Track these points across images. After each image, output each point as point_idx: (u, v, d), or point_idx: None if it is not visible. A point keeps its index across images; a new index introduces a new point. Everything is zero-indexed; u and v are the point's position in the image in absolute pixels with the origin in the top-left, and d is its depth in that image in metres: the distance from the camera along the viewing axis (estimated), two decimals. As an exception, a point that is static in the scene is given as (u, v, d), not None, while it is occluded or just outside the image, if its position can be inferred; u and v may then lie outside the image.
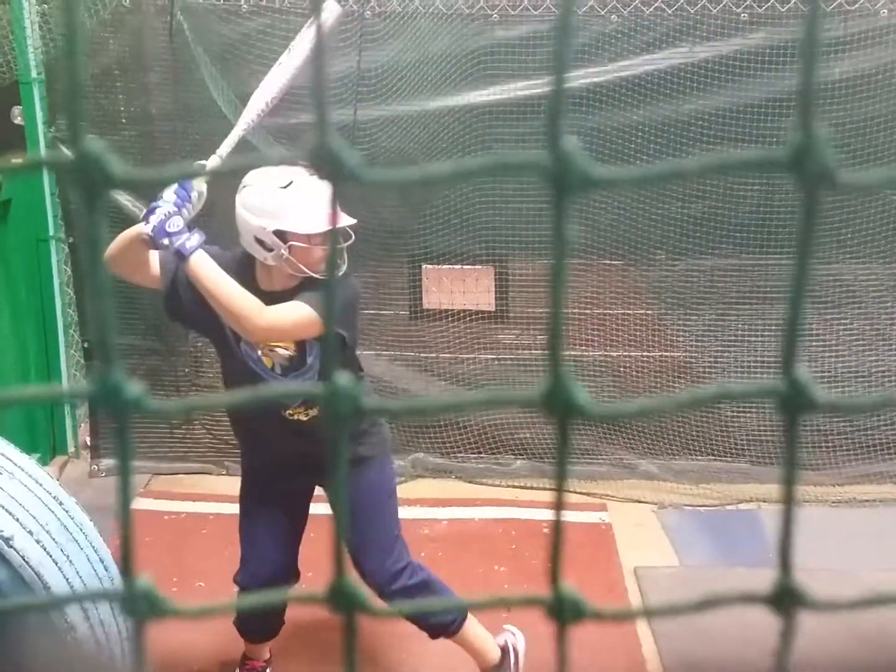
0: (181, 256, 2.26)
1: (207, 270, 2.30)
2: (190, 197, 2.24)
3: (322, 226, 2.37)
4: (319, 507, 2.80)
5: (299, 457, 2.57)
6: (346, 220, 2.35)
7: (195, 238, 2.26)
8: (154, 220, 2.20)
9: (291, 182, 2.37)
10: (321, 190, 2.34)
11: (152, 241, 2.23)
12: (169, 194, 2.23)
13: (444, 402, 0.41)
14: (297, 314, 2.35)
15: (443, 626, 2.71)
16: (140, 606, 0.35)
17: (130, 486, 0.36)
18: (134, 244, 2.30)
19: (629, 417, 0.34)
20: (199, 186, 2.28)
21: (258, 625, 2.82)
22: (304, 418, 2.56)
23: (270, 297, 2.40)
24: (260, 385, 2.49)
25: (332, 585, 0.37)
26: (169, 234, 2.22)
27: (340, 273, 2.46)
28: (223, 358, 2.65)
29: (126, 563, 0.37)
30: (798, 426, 0.36)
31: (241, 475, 2.85)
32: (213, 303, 2.33)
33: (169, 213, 2.21)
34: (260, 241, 2.40)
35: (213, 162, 2.34)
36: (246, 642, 2.92)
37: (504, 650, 2.86)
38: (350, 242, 2.45)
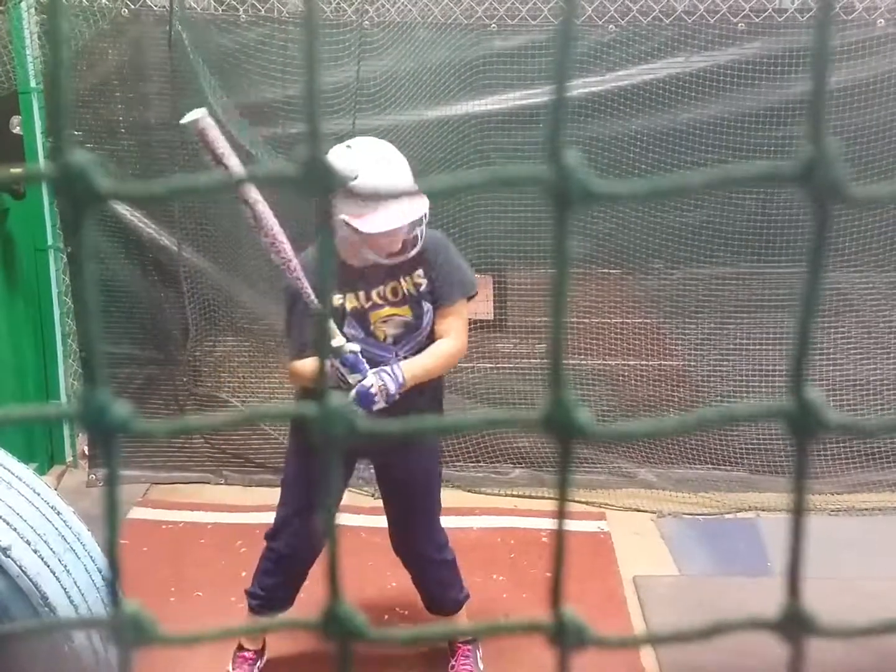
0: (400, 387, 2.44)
1: (424, 372, 2.52)
2: (361, 360, 2.40)
3: (381, 226, 2.39)
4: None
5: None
6: (415, 213, 2.39)
7: (396, 371, 2.44)
8: (382, 399, 2.40)
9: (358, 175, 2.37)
10: (387, 179, 2.37)
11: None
12: (355, 378, 2.39)
13: (444, 424, 0.40)
14: (464, 320, 2.62)
15: (457, 603, 2.87)
16: (127, 634, 0.35)
17: (119, 508, 0.36)
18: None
19: (632, 439, 0.33)
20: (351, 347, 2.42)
21: (277, 591, 2.78)
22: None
23: (364, 273, 2.51)
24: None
25: (327, 610, 0.36)
26: (393, 395, 2.42)
27: (417, 250, 2.50)
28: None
29: (113, 589, 0.36)
30: (809, 448, 0.35)
31: (292, 443, 2.87)
32: (430, 377, 2.56)
33: (383, 387, 2.41)
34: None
35: None
36: (253, 614, 2.86)
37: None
38: (423, 226, 2.48)
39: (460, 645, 2.95)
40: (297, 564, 2.71)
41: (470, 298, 2.63)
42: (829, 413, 0.34)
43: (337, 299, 2.50)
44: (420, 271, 2.55)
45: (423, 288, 2.55)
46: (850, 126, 3.87)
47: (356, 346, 2.43)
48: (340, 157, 2.42)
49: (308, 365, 2.47)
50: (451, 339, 2.56)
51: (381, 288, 2.54)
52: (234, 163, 2.18)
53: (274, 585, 2.75)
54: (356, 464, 2.88)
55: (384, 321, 2.57)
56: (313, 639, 2.78)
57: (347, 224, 2.37)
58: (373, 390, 2.37)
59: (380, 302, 2.55)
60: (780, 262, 4.09)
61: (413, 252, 2.49)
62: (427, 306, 2.58)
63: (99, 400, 0.34)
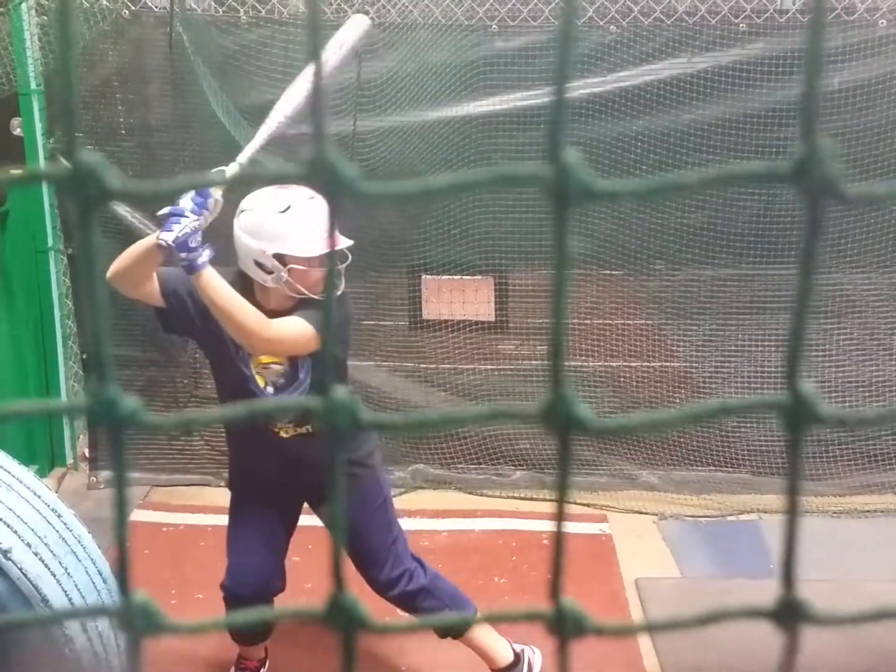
0: (192, 270, 2.24)
1: (217, 285, 2.30)
2: (208, 206, 2.22)
3: (320, 249, 2.41)
4: (317, 519, 2.80)
5: (283, 473, 2.61)
6: (343, 242, 2.39)
7: (206, 253, 2.25)
8: (178, 230, 2.17)
9: (290, 206, 2.41)
10: (319, 213, 2.37)
11: (170, 253, 2.21)
12: (187, 202, 2.19)
13: (443, 417, 0.41)
14: (299, 329, 2.38)
15: (448, 626, 2.73)
16: (136, 623, 0.35)
17: (126, 500, 0.36)
18: (147, 256, 2.29)
19: (630, 432, 0.34)
20: (216, 194, 2.26)
21: (249, 630, 2.81)
22: (286, 435, 2.58)
23: (269, 316, 2.42)
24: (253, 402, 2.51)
25: (331, 601, 0.36)
26: (189, 249, 2.20)
27: (339, 293, 2.48)
28: (220, 375, 2.69)
29: (122, 578, 0.36)
30: (803, 440, 0.35)
31: (229, 484, 2.88)
32: (220, 316, 2.33)
33: (194, 228, 2.18)
34: (259, 265, 2.44)
35: (232, 169, 2.29)
36: (239, 645, 2.93)
37: (518, 656, 2.87)
38: (347, 263, 2.49)
39: None
40: (256, 603, 2.70)
41: (315, 338, 2.41)
42: (822, 405, 0.34)
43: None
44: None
45: None
46: (852, 127, 3.87)
47: (214, 193, 2.25)
48: (271, 193, 2.44)
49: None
50: (269, 321, 2.36)
51: None
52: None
53: (245, 632, 2.78)
54: (299, 502, 2.79)
55: (264, 367, 2.55)
56: (314, 647, 2.78)
57: (281, 258, 2.39)
58: (182, 220, 2.17)
59: None
60: (783, 263, 4.09)
61: (340, 290, 2.48)
62: (304, 358, 2.52)
63: (109, 393, 0.35)
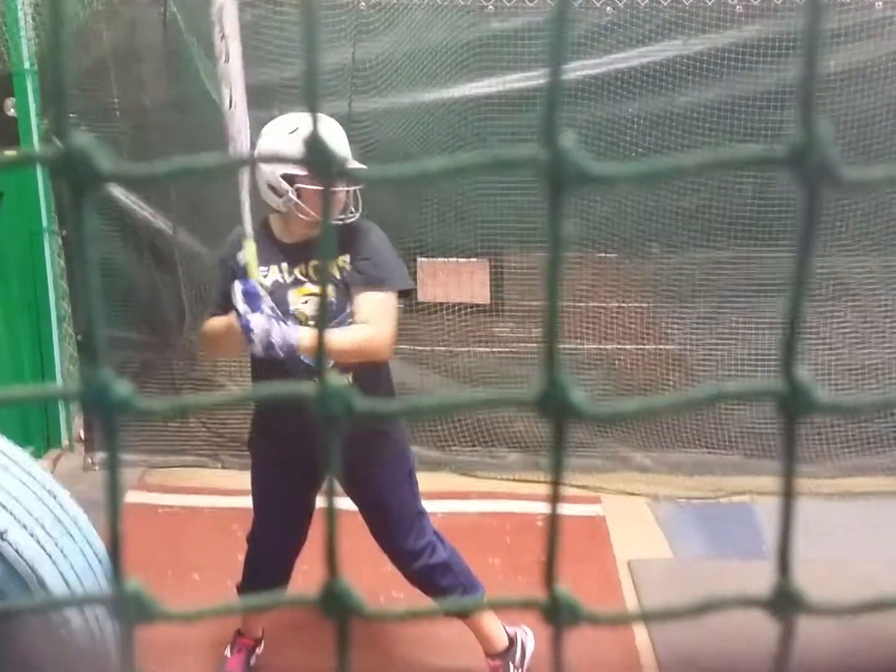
0: (292, 351, 2.31)
1: (316, 339, 2.32)
2: (261, 297, 2.33)
3: None
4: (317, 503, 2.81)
5: (309, 435, 2.55)
6: (352, 165, 2.34)
7: (290, 325, 2.33)
8: (258, 339, 2.27)
9: (297, 128, 2.43)
10: (328, 133, 2.35)
11: (270, 354, 2.31)
12: (241, 305, 2.30)
13: (438, 403, 0.41)
14: (385, 303, 2.47)
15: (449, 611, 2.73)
16: (129, 610, 0.35)
17: (119, 487, 0.36)
18: (242, 345, 2.37)
19: (625, 419, 0.34)
20: (254, 280, 2.36)
21: (264, 587, 2.79)
22: None
23: (292, 249, 2.48)
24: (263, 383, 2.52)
25: (325, 587, 0.36)
26: (278, 345, 2.28)
27: (356, 217, 2.50)
28: None
29: (115, 565, 0.36)
30: (798, 427, 0.35)
31: (249, 444, 2.84)
32: (337, 359, 2.40)
33: (266, 329, 2.28)
34: (272, 188, 2.45)
35: (250, 245, 2.40)
36: (244, 616, 2.93)
37: (512, 640, 2.88)
38: (361, 187, 2.47)
39: (489, 661, 2.86)
40: (274, 564, 2.74)
41: (402, 295, 2.57)
42: (818, 393, 0.35)
43: (260, 272, 2.45)
44: (347, 256, 2.48)
45: (346, 272, 2.47)
46: (848, 109, 3.86)
47: (266, 283, 2.41)
48: (284, 118, 2.51)
49: (211, 323, 2.47)
50: (369, 327, 2.43)
51: (304, 266, 2.49)
52: (234, 46, 2.30)
53: (258, 585, 2.76)
54: (320, 474, 2.78)
55: (305, 301, 2.50)
56: (310, 629, 2.79)
57: (290, 179, 2.41)
58: (253, 327, 2.28)
59: (302, 278, 2.48)
60: (778, 245, 4.09)
61: (355, 216, 2.49)
62: (350, 293, 2.49)
63: (100, 379, 0.34)
